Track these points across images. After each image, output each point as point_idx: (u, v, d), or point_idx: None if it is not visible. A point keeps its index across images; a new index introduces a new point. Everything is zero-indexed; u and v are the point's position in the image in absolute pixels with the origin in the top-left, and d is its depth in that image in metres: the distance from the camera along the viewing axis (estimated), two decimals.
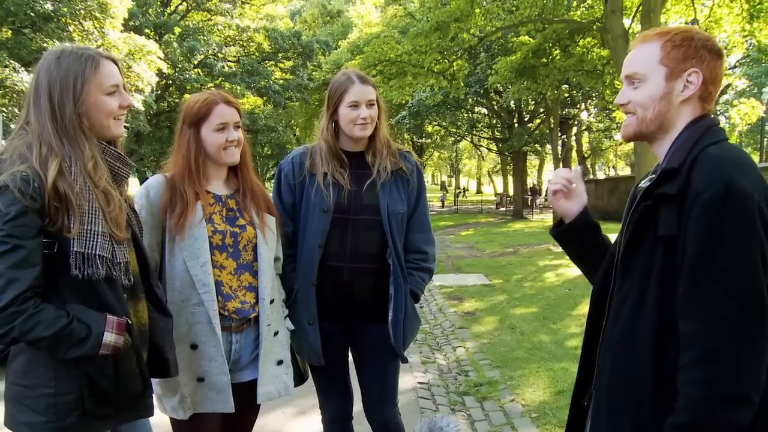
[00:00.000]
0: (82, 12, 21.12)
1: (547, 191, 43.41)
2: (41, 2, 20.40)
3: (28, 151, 1.92)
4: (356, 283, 2.96)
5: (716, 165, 1.60)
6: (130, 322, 1.99)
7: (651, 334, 1.66)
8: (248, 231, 2.68)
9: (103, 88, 2.04)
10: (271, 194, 3.00)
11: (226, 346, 2.60)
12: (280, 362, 2.77)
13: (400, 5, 32.13)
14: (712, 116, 1.78)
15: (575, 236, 2.16)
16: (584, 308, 8.46)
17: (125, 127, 2.25)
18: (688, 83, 1.75)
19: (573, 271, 12.14)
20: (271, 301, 2.73)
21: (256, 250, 2.69)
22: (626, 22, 15.05)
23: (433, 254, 3.15)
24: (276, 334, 2.77)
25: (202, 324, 2.51)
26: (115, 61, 2.12)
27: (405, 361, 3.07)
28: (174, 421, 2.64)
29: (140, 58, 23.12)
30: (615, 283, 1.83)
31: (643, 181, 1.82)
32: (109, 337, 1.90)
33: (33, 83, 2.04)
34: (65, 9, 20.70)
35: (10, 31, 21.65)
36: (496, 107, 33.31)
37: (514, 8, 18.36)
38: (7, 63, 20.22)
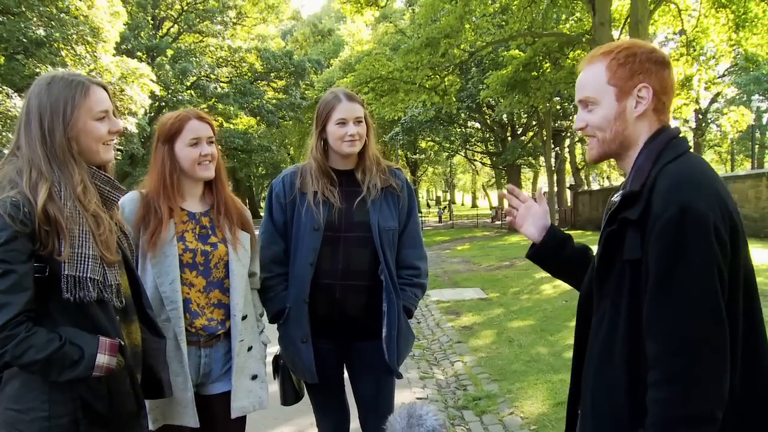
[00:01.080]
0: (74, 37, 21.25)
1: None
2: (33, 28, 20.51)
3: (18, 176, 1.94)
4: (349, 300, 2.96)
5: (672, 187, 1.62)
6: (123, 343, 1.99)
7: (624, 355, 1.69)
8: (219, 249, 2.70)
9: (93, 113, 2.06)
10: (261, 212, 3.01)
11: (195, 360, 2.64)
12: (254, 377, 2.78)
13: (390, 23, 32.37)
14: (672, 127, 1.80)
15: (548, 256, 2.20)
16: None
17: (119, 149, 2.28)
18: (640, 99, 1.76)
19: None
20: (244, 317, 2.74)
21: (228, 267, 2.71)
22: (615, 33, 15.17)
23: (426, 270, 3.16)
24: (250, 349, 2.78)
25: (169, 340, 2.53)
26: (105, 88, 2.14)
27: (400, 376, 3.07)
28: None
29: (133, 81, 23.23)
30: (593, 303, 1.85)
31: (615, 196, 1.84)
32: (102, 359, 1.90)
33: (24, 109, 2.06)
34: (57, 34, 20.83)
35: (3, 58, 21.74)
36: (488, 121, 33.46)
37: (503, 23, 18.57)
38: (1, 89, 20.30)
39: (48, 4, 20.91)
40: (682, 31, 16.54)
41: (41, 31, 20.75)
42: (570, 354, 6.44)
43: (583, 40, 16.57)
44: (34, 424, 1.88)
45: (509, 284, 12.55)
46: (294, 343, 2.96)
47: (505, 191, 2.25)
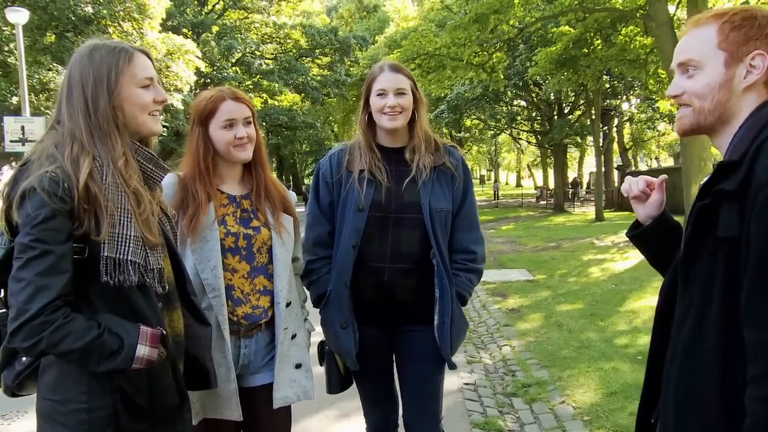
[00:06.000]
0: (121, 14, 21.51)
1: (589, 184, 42.86)
2: (82, 5, 20.76)
3: (57, 150, 1.82)
4: (398, 285, 2.81)
5: None
6: (164, 333, 1.87)
7: (716, 347, 1.46)
8: (263, 233, 2.58)
9: (137, 80, 1.94)
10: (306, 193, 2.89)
11: (234, 351, 2.52)
12: (298, 366, 2.66)
13: None
14: None
15: (651, 239, 1.96)
16: (632, 304, 8.28)
17: (164, 125, 2.15)
18: (752, 68, 1.54)
19: (619, 265, 11.87)
20: (288, 304, 2.62)
21: (271, 252, 2.59)
22: (671, 8, 14.57)
23: (482, 254, 2.99)
24: (294, 337, 2.66)
25: (212, 330, 2.41)
26: (148, 55, 2.02)
27: (453, 367, 2.92)
28: None
29: (178, 58, 23.41)
30: (678, 290, 1.64)
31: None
32: (143, 350, 1.78)
33: (65, 80, 1.94)
34: (105, 11, 21.10)
35: (54, 36, 22.08)
36: (535, 100, 32.85)
37: None
38: (51, 66, 20.66)
39: None
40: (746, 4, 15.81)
41: (89, 9, 21.02)
42: (622, 341, 6.25)
43: (637, 15, 15.96)
44: (73, 416, 1.78)
45: (556, 266, 12.34)
46: (334, 328, 2.84)
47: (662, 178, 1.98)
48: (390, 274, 2.80)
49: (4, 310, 1.85)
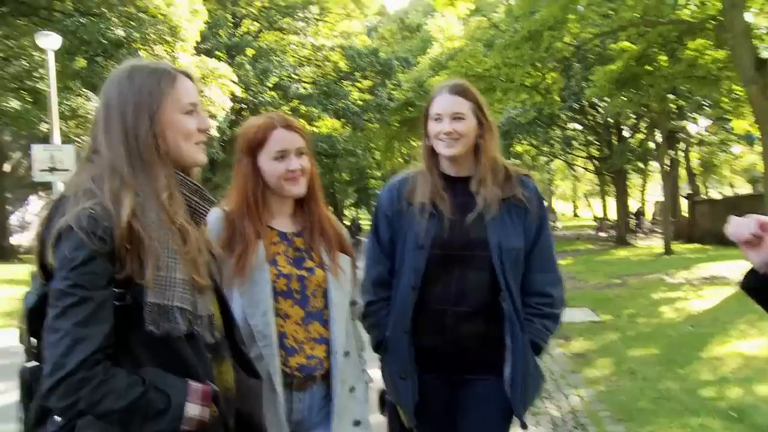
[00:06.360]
0: (153, 36, 22.02)
1: (653, 214, 42.01)
2: (113, 29, 21.33)
3: (95, 184, 1.74)
4: (462, 330, 2.70)
5: None
6: (215, 389, 1.76)
7: None
8: (317, 274, 2.48)
9: (181, 105, 1.86)
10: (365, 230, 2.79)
11: (287, 406, 2.41)
12: (357, 423, 2.53)
13: (483, 16, 31.90)
14: None
15: None
16: (716, 349, 7.94)
17: None
18: None
19: (694, 304, 11.47)
20: (346, 353, 2.51)
21: (327, 296, 2.49)
22: (748, 17, 14.25)
23: (561, 297, 2.83)
24: (352, 390, 2.54)
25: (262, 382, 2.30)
26: (191, 78, 1.95)
27: (525, 426, 2.76)
28: None
29: (212, 82, 23.80)
30: None
31: None
32: (193, 409, 1.67)
33: (102, 106, 1.87)
34: (137, 34, 21.62)
35: (84, 60, 22.70)
36: (592, 123, 32.51)
37: (611, 12, 17.75)
38: (81, 92, 21.21)
39: (127, 3, 21.77)
40: None
41: (120, 32, 21.57)
42: (708, 392, 5.95)
43: (708, 26, 15.68)
44: None
45: (623, 305, 12.00)
46: (392, 378, 2.75)
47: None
48: (454, 317, 2.70)
49: (35, 363, 1.77)
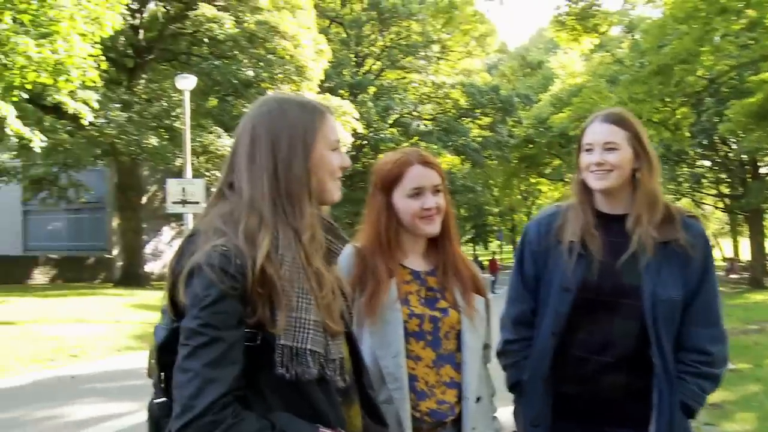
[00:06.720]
0: (281, 76, 22.93)
1: None
2: (244, 70, 22.41)
3: (225, 222, 1.68)
4: (605, 380, 2.48)
5: None
6: None
7: None
8: (451, 315, 2.36)
9: (329, 141, 1.80)
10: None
11: None
12: None
13: (607, 52, 31.23)
14: None
15: None
16: None
17: None
18: None
19: None
20: (478, 399, 2.37)
21: (460, 338, 2.37)
22: None
23: (723, 356, 2.53)
24: None
25: (391, 427, 2.17)
26: (333, 115, 1.89)
27: None
28: None
29: (336, 119, 24.48)
30: None
31: None
32: None
33: (246, 139, 1.78)
34: (265, 74, 22.56)
35: (216, 100, 23.90)
36: (724, 159, 31.03)
37: (751, 41, 16.88)
38: (212, 129, 22.34)
39: (258, 46, 22.82)
40: None
41: (250, 72, 22.62)
42: None
43: None
44: None
45: (763, 353, 11.19)
46: (525, 424, 2.59)
47: None
48: (596, 367, 2.48)
49: (163, 399, 1.74)
